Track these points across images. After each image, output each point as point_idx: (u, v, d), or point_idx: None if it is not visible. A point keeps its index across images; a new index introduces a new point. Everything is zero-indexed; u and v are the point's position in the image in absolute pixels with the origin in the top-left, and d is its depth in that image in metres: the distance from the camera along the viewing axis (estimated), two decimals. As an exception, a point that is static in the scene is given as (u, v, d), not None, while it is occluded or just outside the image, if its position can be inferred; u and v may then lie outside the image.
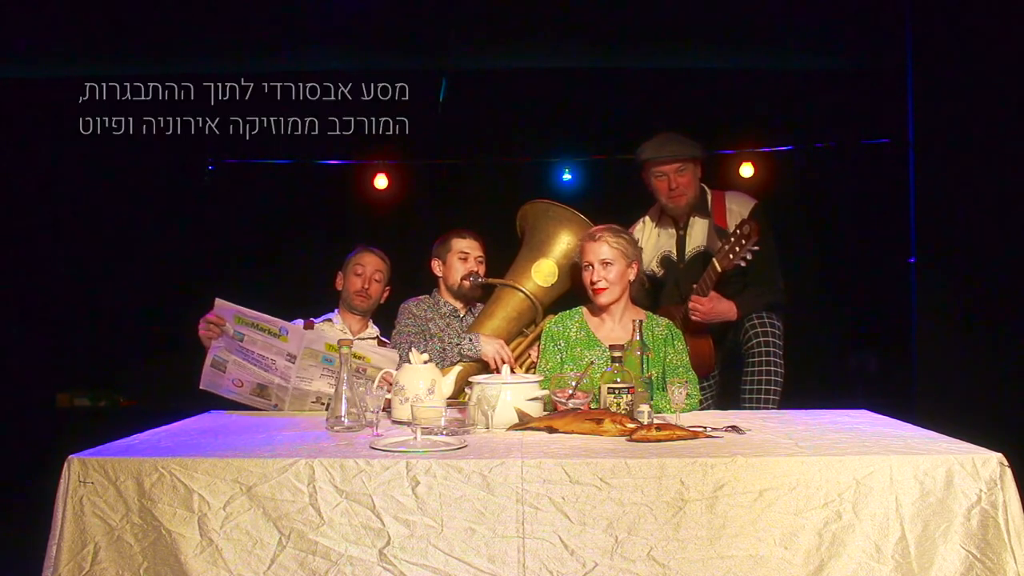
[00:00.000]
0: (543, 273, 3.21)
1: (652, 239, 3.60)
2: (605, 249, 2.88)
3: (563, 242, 3.22)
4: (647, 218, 3.64)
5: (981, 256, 3.98)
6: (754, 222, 3.09)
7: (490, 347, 3.07)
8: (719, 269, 3.14)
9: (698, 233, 3.47)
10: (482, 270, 3.34)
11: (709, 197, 3.49)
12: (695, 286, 3.22)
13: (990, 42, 3.94)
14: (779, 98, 4.78)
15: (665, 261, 3.55)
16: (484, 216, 3.73)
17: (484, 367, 3.07)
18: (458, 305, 3.33)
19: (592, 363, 2.78)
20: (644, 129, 3.62)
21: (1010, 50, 3.89)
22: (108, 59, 4.82)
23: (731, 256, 3.09)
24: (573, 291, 3.23)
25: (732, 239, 3.10)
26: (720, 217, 3.41)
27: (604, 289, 2.88)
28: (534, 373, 3.06)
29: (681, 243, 3.52)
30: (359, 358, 2.79)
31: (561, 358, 2.93)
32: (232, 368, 2.88)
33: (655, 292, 3.57)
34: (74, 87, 4.87)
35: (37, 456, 2.57)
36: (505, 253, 3.45)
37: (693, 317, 3.22)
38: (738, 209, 3.39)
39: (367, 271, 3.41)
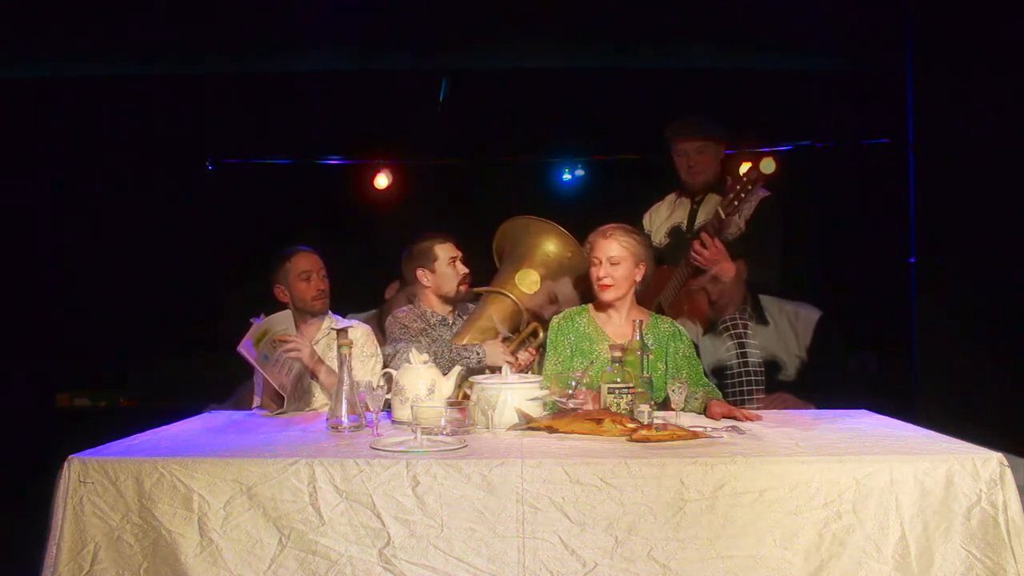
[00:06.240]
0: (527, 281, 3.30)
1: (667, 212, 3.70)
2: (614, 247, 2.89)
3: (543, 252, 3.30)
4: (672, 195, 3.73)
5: (981, 256, 3.97)
6: (759, 172, 3.20)
7: (493, 352, 3.09)
8: (723, 215, 3.23)
9: (711, 208, 3.52)
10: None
11: (728, 179, 3.55)
12: (701, 234, 3.29)
13: (990, 42, 3.93)
14: (779, 98, 4.78)
15: (674, 232, 3.64)
16: (483, 216, 3.73)
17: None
18: (446, 311, 3.32)
19: (592, 363, 2.79)
20: (644, 129, 3.64)
21: (1010, 50, 3.89)
22: (108, 59, 4.82)
23: (735, 202, 3.20)
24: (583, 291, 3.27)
25: (738, 187, 3.21)
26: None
27: (609, 286, 2.89)
28: (533, 373, 3.08)
29: (693, 215, 3.62)
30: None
31: (571, 352, 2.94)
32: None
33: (659, 261, 3.61)
34: (74, 87, 4.87)
35: (37, 456, 2.57)
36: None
37: (694, 260, 3.27)
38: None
39: (313, 272, 3.24)
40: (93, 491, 1.98)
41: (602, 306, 2.97)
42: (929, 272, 4.13)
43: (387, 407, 2.56)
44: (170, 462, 2.00)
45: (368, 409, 2.42)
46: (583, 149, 5.16)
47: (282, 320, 2.97)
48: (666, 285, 3.40)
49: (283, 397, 2.89)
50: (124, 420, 2.79)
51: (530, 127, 4.95)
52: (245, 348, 2.79)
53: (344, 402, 2.44)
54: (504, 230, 3.44)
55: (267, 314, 2.93)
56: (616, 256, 2.88)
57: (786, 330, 3.52)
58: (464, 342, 3.18)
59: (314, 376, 3.02)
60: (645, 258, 2.93)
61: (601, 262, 2.89)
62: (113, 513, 1.97)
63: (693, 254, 3.28)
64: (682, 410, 2.56)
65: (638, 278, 2.94)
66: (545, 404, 2.55)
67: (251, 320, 2.87)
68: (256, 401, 3.19)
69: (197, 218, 5.00)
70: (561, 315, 3.05)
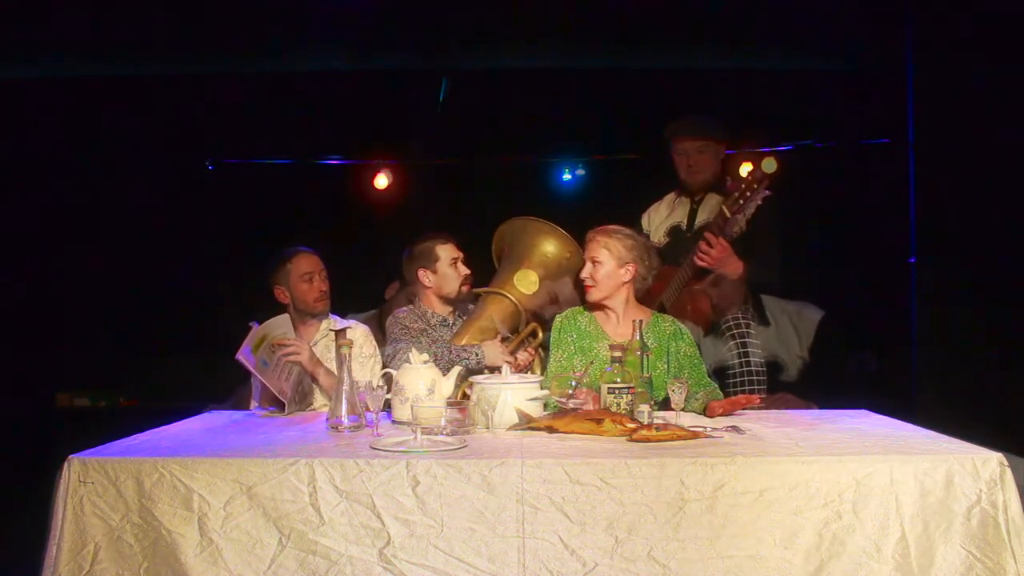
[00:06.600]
0: (526, 282, 3.32)
1: (666, 212, 3.70)
2: (595, 248, 2.94)
3: (542, 253, 3.31)
4: (672, 194, 3.73)
5: (981, 256, 3.97)
6: (764, 171, 3.16)
7: (492, 353, 3.08)
8: (727, 214, 3.21)
9: (711, 207, 3.52)
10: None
11: (728, 180, 3.55)
12: (705, 233, 3.28)
13: (990, 42, 3.93)
14: (779, 98, 4.78)
15: (673, 231, 3.64)
16: (484, 216, 3.73)
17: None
18: (446, 312, 3.32)
19: (592, 363, 2.79)
20: (644, 129, 3.64)
21: (1010, 50, 3.89)
22: (108, 59, 4.82)
23: (741, 201, 3.16)
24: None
25: (743, 185, 3.18)
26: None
27: (590, 287, 2.95)
28: (532, 372, 3.10)
29: (692, 215, 3.62)
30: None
31: (573, 350, 2.96)
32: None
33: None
34: (74, 87, 4.87)
35: (37, 456, 2.57)
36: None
37: (701, 260, 3.25)
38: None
39: (315, 274, 3.20)
40: (93, 491, 1.98)
41: (598, 306, 2.98)
42: (929, 272, 4.13)
43: (387, 407, 2.56)
44: (170, 462, 1.99)
45: (368, 409, 2.42)
46: (583, 149, 5.16)
47: (280, 324, 2.96)
48: (667, 285, 3.40)
49: (281, 401, 2.88)
50: (124, 420, 2.79)
51: (530, 127, 4.95)
52: (243, 356, 2.76)
53: (344, 402, 2.44)
54: (502, 231, 3.45)
55: (264, 318, 2.93)
56: (597, 257, 2.93)
57: (788, 330, 3.52)
58: (463, 343, 3.18)
59: (313, 379, 3.00)
60: (633, 259, 2.93)
61: (585, 263, 2.96)
62: (113, 513, 1.97)
63: (700, 254, 3.27)
64: (682, 410, 2.56)
65: (625, 279, 2.94)
66: (546, 404, 2.56)
67: (249, 324, 2.86)
68: (253, 405, 3.18)
69: (197, 218, 5.00)
70: (564, 314, 3.06)
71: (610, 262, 2.91)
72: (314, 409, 3.03)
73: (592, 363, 2.80)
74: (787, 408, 3.15)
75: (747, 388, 3.32)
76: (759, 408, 2.79)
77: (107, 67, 4.88)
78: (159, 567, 1.94)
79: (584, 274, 2.95)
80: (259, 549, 1.94)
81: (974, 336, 3.95)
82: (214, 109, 4.90)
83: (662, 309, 3.37)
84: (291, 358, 2.89)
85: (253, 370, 2.80)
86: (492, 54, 4.88)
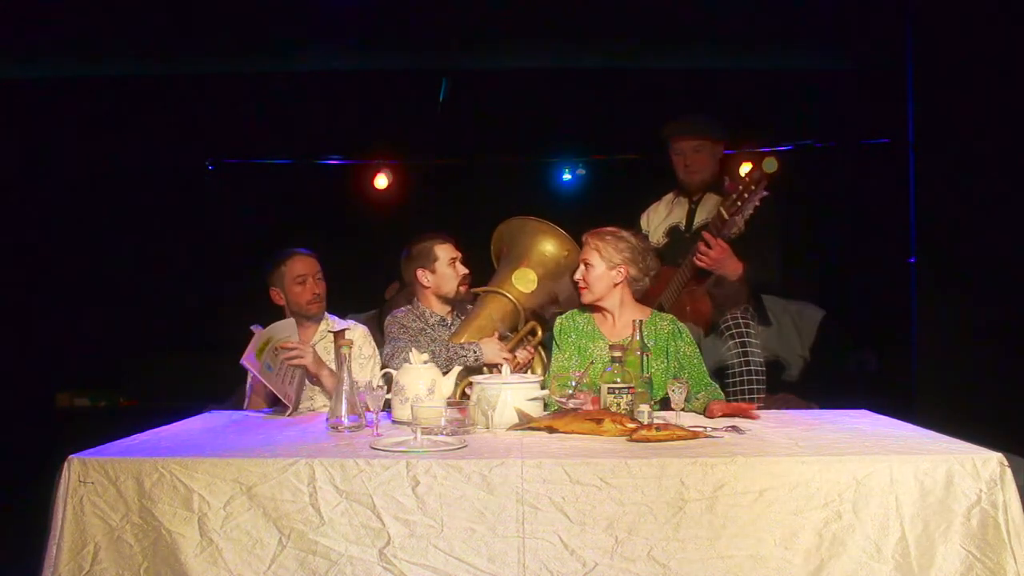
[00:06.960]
0: (524, 281, 3.31)
1: (664, 212, 3.69)
2: (586, 251, 2.96)
3: (540, 252, 3.32)
4: (670, 195, 3.72)
5: (981, 256, 3.98)
6: (763, 172, 3.13)
7: (490, 350, 3.08)
8: (725, 216, 3.19)
9: (709, 208, 3.51)
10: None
11: (727, 180, 3.54)
12: (703, 234, 3.27)
13: (990, 41, 3.93)
14: (779, 98, 4.78)
15: (672, 232, 3.63)
16: (484, 216, 3.73)
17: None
18: (445, 312, 3.31)
19: (592, 363, 2.79)
20: (644, 129, 3.63)
21: (1010, 50, 3.89)
22: (109, 59, 4.82)
23: (739, 203, 3.15)
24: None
25: (740, 187, 3.16)
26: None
27: (582, 289, 2.97)
28: (532, 372, 3.10)
29: (691, 215, 3.60)
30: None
31: (573, 350, 2.97)
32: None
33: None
34: (75, 87, 4.88)
35: (37, 456, 2.57)
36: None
37: (700, 261, 3.25)
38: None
39: (309, 276, 3.16)
40: (93, 491, 1.98)
41: (595, 307, 2.98)
42: (929, 272, 4.13)
43: (387, 407, 2.56)
44: (170, 462, 1.99)
45: (368, 409, 2.42)
46: (583, 149, 5.17)
47: (284, 328, 2.93)
48: (666, 286, 3.40)
49: (280, 401, 2.87)
50: (124, 420, 2.79)
51: (530, 127, 4.96)
52: (248, 361, 2.74)
53: (344, 402, 2.44)
54: (501, 231, 3.44)
55: (264, 319, 2.92)
56: (588, 259, 2.94)
57: (790, 330, 3.51)
58: (462, 341, 3.18)
59: (317, 381, 2.98)
60: (624, 260, 2.92)
61: (579, 265, 2.98)
62: (113, 513, 1.97)
63: (699, 255, 3.26)
64: (682, 410, 2.56)
65: (617, 280, 2.93)
66: (546, 404, 2.56)
67: (251, 328, 2.85)
68: (246, 405, 3.17)
69: (197, 218, 5.00)
70: (564, 315, 3.07)
71: (600, 265, 2.92)
72: (314, 409, 3.03)
73: (592, 363, 2.80)
74: (787, 408, 3.15)
75: (747, 388, 3.31)
76: (759, 409, 2.79)
77: (107, 67, 4.89)
78: (159, 567, 1.94)
79: (576, 276, 2.97)
80: (259, 549, 1.94)
81: (974, 336, 3.95)
82: (214, 109, 4.90)
83: (661, 309, 3.37)
84: (295, 361, 2.88)
85: (258, 375, 2.79)
86: (492, 54, 4.88)
